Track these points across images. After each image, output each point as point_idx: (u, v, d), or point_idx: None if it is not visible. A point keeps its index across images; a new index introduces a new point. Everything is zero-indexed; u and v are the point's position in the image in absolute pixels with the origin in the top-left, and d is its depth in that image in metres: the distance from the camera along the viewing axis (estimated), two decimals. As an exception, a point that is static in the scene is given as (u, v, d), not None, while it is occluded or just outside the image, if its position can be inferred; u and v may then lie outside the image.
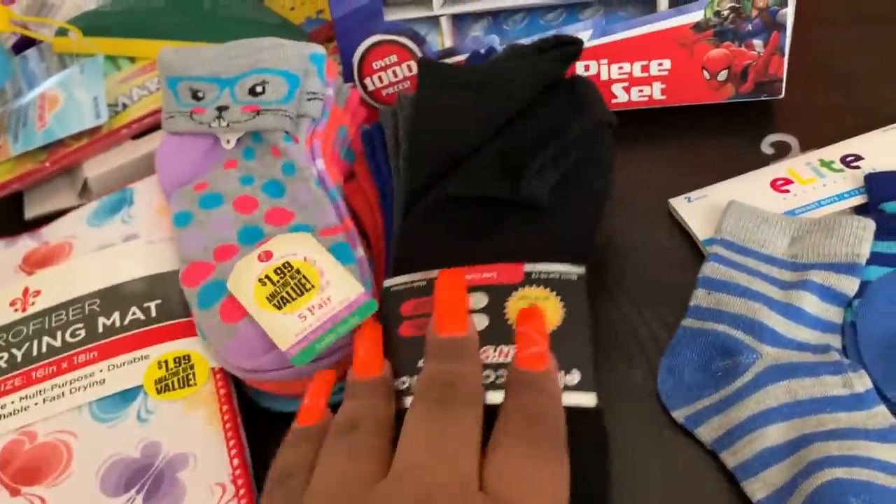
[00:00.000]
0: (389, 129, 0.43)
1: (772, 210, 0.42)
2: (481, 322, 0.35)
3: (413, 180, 0.40)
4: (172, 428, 0.38)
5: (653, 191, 0.46)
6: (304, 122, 0.44)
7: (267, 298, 0.39)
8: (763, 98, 0.48)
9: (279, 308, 0.38)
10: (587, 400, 0.33)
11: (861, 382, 0.34)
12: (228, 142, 0.44)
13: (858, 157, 0.45)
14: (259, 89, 0.43)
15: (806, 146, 0.47)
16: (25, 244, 0.50)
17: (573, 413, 0.32)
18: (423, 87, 0.42)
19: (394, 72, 0.51)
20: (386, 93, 0.52)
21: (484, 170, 0.39)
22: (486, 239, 0.39)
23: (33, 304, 0.44)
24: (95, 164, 0.54)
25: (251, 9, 0.61)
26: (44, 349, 0.42)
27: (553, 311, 0.35)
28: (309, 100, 0.44)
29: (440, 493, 0.26)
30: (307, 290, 0.39)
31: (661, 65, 0.48)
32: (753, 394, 0.34)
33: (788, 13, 0.45)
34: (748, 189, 0.44)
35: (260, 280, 0.40)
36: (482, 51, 0.49)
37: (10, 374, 0.41)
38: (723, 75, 0.48)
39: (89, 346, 0.41)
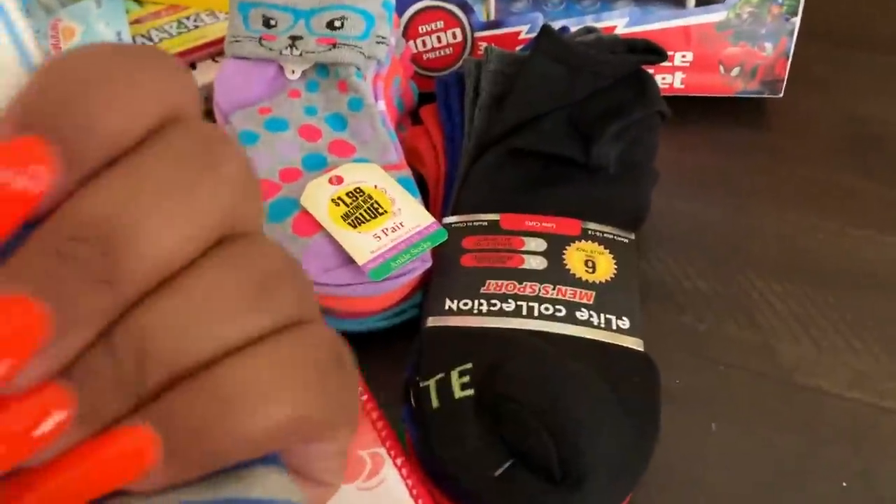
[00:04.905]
0: (472, 78, 0.45)
1: None
2: (540, 264, 0.40)
3: (491, 129, 0.43)
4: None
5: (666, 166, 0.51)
6: (371, 63, 0.46)
7: (342, 217, 0.40)
8: (766, 95, 0.54)
9: (354, 227, 0.40)
10: (636, 344, 0.37)
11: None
12: (294, 72, 0.45)
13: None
14: (338, 24, 0.44)
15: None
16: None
17: (625, 355, 0.36)
18: (538, 52, 0.44)
19: (438, 37, 0.54)
20: (427, 57, 0.55)
21: (555, 131, 0.43)
22: (545, 193, 0.43)
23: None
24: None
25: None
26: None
27: (607, 264, 0.40)
28: (378, 43, 0.46)
29: None
30: (380, 214, 0.41)
31: (684, 56, 0.53)
32: None
33: (797, 21, 0.52)
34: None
35: (333, 200, 0.41)
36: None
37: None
38: (735, 71, 0.53)
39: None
